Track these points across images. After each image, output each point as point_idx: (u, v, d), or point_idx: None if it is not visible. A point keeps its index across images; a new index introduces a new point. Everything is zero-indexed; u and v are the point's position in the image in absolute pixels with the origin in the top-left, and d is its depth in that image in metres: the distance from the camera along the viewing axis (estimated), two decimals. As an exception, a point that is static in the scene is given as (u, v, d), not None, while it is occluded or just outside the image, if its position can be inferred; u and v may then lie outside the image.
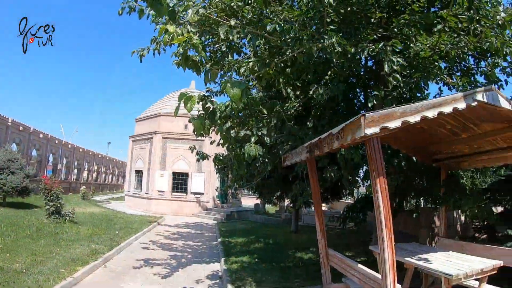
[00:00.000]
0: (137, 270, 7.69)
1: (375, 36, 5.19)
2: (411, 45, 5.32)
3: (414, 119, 2.91)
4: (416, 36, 5.15)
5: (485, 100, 3.63)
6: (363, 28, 5.52)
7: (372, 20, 5.41)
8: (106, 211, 18.72)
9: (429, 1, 5.99)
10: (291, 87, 6.16)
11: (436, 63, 5.17)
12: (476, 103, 3.52)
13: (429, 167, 6.23)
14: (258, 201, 21.99)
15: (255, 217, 20.87)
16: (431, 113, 3.01)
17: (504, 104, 3.83)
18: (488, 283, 4.80)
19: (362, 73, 5.41)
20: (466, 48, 5.00)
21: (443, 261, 4.41)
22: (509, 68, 7.09)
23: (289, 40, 4.31)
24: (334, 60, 4.91)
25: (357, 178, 7.41)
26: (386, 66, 4.34)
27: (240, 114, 5.78)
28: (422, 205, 8.94)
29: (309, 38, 4.25)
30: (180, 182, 22.84)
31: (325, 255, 5.11)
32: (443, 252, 4.99)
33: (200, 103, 4.95)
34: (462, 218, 8.59)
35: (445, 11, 5.15)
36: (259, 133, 5.51)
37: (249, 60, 4.65)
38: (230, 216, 20.63)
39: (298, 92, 5.88)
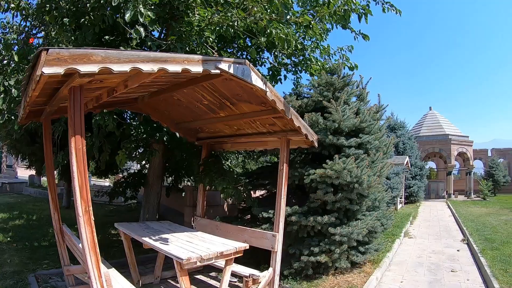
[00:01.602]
0: None
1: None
2: (191, 14, 4.95)
3: (120, 68, 2.32)
4: (195, 8, 4.78)
5: (231, 71, 3.29)
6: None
7: None
8: None
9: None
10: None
11: (209, 37, 4.93)
12: (218, 71, 3.15)
13: (194, 145, 6.06)
14: (34, 173, 19.01)
15: (30, 190, 18.39)
16: (148, 67, 2.48)
17: (257, 82, 3.59)
18: (242, 263, 4.82)
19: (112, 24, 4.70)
20: (237, 24, 4.89)
21: (184, 243, 4.08)
22: (290, 65, 7.79)
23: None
24: (88, 5, 4.08)
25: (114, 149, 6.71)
26: (127, 14, 3.71)
27: None
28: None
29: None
30: None
31: (59, 233, 4.30)
32: (190, 233, 4.73)
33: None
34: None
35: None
36: (6, 83, 4.55)
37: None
38: (1, 188, 17.96)
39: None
